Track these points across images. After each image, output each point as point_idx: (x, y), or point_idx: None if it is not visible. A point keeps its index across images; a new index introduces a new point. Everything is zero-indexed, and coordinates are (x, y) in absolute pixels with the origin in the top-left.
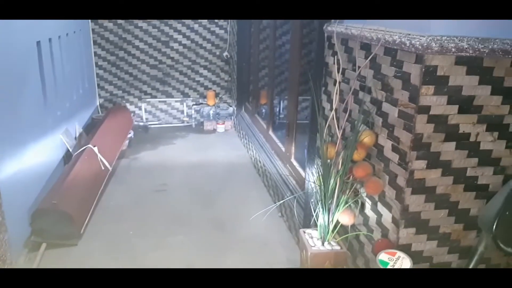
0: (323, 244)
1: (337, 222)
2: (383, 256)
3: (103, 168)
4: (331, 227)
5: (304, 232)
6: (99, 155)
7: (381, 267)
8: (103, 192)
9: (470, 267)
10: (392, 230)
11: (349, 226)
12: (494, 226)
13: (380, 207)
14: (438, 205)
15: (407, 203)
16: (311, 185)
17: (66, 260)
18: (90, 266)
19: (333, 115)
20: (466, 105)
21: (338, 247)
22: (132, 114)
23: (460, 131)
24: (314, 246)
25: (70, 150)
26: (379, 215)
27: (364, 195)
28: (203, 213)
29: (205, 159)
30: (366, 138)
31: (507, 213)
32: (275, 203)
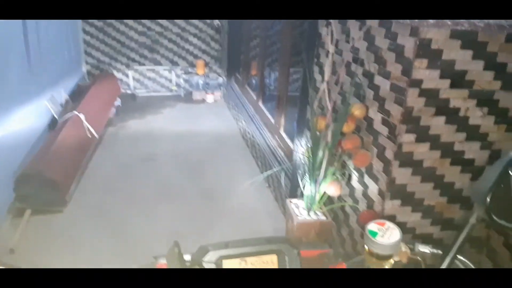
0: (308, 214)
1: (324, 193)
2: (372, 227)
3: (89, 136)
4: (317, 197)
5: (291, 202)
6: (85, 122)
7: (370, 237)
8: (90, 160)
9: (461, 239)
10: (377, 202)
11: (335, 197)
12: (488, 199)
13: (366, 179)
14: (425, 178)
15: (394, 176)
16: (299, 156)
17: (51, 227)
18: (75, 234)
19: (324, 87)
20: (458, 80)
21: (323, 217)
22: (119, 82)
23: (451, 106)
24: (300, 216)
25: (56, 117)
26: (365, 187)
27: (351, 167)
28: (191, 183)
29: (194, 129)
30: (357, 110)
31: (502, 186)
32: (263, 174)
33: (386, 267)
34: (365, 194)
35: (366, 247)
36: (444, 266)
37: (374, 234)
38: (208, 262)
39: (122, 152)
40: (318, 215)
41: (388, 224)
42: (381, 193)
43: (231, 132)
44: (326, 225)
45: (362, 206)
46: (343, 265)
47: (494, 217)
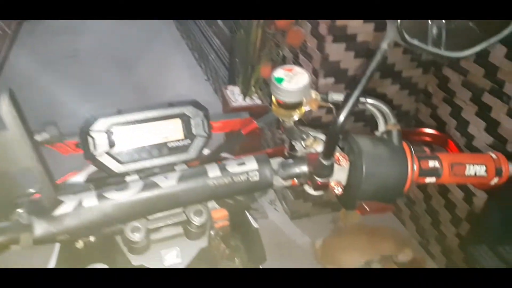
0: (244, 99)
1: (259, 77)
2: (278, 73)
3: (0, 32)
4: (252, 82)
5: (226, 89)
6: None
7: (276, 83)
8: (6, 59)
9: (370, 69)
10: (311, 81)
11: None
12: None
13: (301, 58)
14: (358, 53)
15: (327, 52)
16: (235, 41)
17: None
18: None
19: None
20: None
21: (259, 101)
22: None
23: None
24: (235, 102)
25: None
26: (299, 66)
27: (285, 48)
28: (122, 79)
29: (120, 21)
30: None
31: None
32: (200, 66)
33: (295, 117)
34: None
35: (273, 98)
36: (350, 103)
37: (280, 80)
38: (97, 131)
39: (42, 49)
40: (254, 100)
41: (296, 69)
42: (314, 72)
43: (164, 21)
44: (261, 108)
45: None
46: (254, 124)
47: (407, 37)
